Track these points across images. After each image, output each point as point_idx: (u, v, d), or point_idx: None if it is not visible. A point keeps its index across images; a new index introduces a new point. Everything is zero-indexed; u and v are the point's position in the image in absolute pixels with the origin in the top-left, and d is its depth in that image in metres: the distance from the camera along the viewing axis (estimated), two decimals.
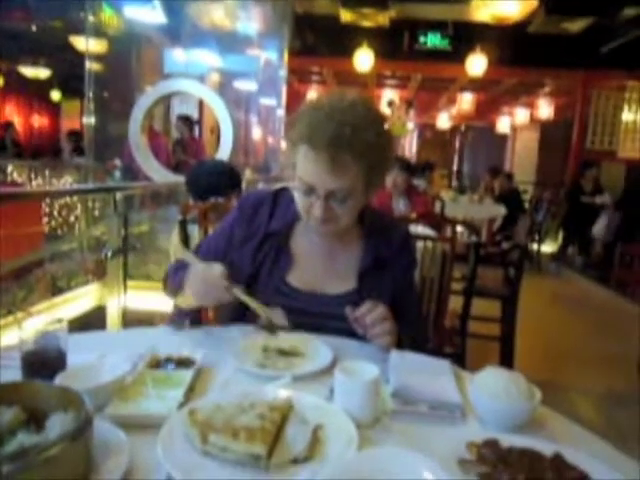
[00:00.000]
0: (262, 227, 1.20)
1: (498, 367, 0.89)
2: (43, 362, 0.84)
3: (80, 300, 2.98)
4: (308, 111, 1.06)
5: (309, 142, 1.02)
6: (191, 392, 0.86)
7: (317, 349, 1.04)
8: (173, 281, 1.18)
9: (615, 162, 6.72)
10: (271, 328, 1.03)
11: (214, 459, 0.68)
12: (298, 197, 1.10)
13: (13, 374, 0.82)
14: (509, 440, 0.73)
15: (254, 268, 1.18)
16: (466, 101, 9.54)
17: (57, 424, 0.64)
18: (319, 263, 1.20)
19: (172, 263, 1.34)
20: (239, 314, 1.16)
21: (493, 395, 0.81)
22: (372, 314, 1.02)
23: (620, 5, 5.07)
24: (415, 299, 1.33)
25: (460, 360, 2.40)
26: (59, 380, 0.79)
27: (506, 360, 2.86)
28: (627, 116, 6.43)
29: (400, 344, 1.09)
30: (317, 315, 1.13)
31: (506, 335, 2.92)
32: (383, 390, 0.87)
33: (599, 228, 6.17)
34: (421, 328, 1.32)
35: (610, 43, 5.90)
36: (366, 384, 0.81)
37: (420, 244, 2.16)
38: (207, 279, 1.04)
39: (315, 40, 6.67)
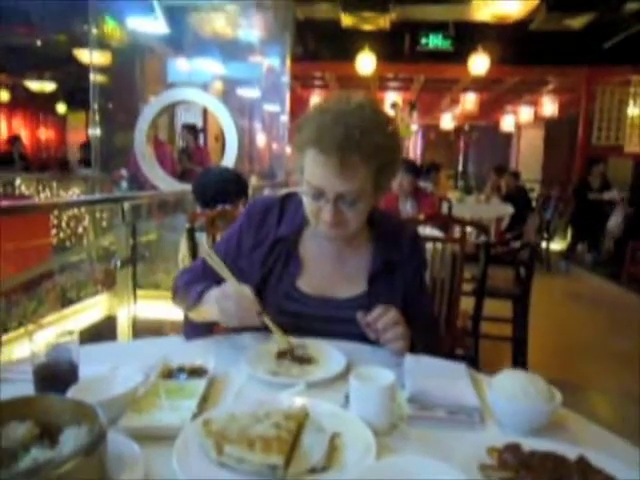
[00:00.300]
0: (271, 233, 1.19)
1: (515, 369, 0.88)
2: (55, 375, 0.83)
3: (90, 311, 2.99)
4: (315, 115, 1.05)
5: (317, 146, 1.01)
6: (204, 402, 0.85)
7: (330, 355, 1.03)
8: (189, 294, 1.15)
9: (622, 157, 6.66)
10: (294, 358, 1.01)
11: (230, 470, 0.67)
12: (307, 201, 1.09)
13: (25, 388, 0.81)
14: (530, 444, 0.72)
15: (263, 274, 1.18)
16: (469, 101, 9.51)
17: (71, 438, 0.63)
18: (328, 267, 1.19)
19: (181, 271, 1.33)
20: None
21: (512, 398, 0.80)
22: (384, 318, 1.01)
23: (621, 0, 5.04)
24: (427, 301, 1.31)
25: (473, 362, 2.38)
26: (72, 393, 0.78)
27: (519, 361, 2.84)
28: (633, 111, 6.38)
29: (413, 348, 1.07)
30: (328, 319, 1.12)
31: (518, 335, 2.90)
32: (399, 395, 0.86)
33: (613, 224, 6.11)
34: (435, 330, 1.30)
35: (613, 38, 5.86)
36: (382, 390, 0.80)
37: (429, 245, 2.14)
38: (240, 302, 1.03)
39: (317, 45, 6.69)
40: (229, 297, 1.04)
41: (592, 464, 0.67)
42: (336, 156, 0.99)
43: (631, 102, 6.35)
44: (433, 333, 1.25)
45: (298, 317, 1.13)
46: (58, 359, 0.84)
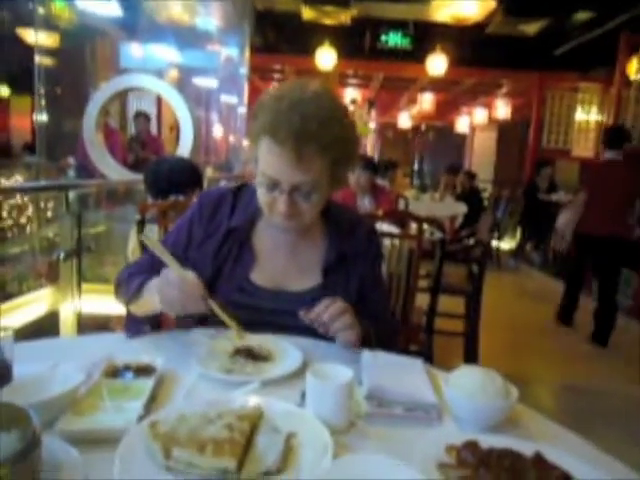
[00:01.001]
0: (223, 224, 1.16)
1: (470, 365, 0.87)
2: None
3: (31, 305, 2.82)
4: (270, 102, 1.01)
5: (272, 136, 0.98)
6: (152, 403, 0.80)
7: (286, 351, 1.00)
8: (129, 286, 1.09)
9: (569, 160, 6.96)
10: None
11: (179, 475, 0.63)
12: (261, 192, 1.06)
13: None
14: (488, 441, 0.71)
15: (216, 267, 1.14)
16: (426, 101, 9.67)
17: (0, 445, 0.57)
18: (282, 260, 1.16)
19: (128, 265, 1.26)
20: (202, 318, 1.10)
21: (470, 395, 0.79)
22: (330, 309, 0.99)
23: (573, 9, 5.25)
24: (383, 294, 1.30)
25: (428, 357, 2.41)
26: (3, 395, 0.72)
27: (471, 356, 2.90)
28: (580, 116, 6.66)
29: (367, 341, 1.06)
30: (282, 313, 1.08)
31: (470, 331, 2.96)
32: (356, 392, 0.84)
33: (562, 222, 6.35)
34: (391, 324, 1.30)
35: (564, 46, 6.09)
36: (339, 387, 0.77)
37: (387, 242, 2.15)
38: (184, 288, 0.96)
39: (277, 37, 6.61)
40: (171, 283, 0.97)
41: (548, 460, 0.67)
42: (292, 147, 0.96)
43: (579, 108, 6.62)
44: (389, 327, 1.24)
45: (251, 310, 1.09)
46: None
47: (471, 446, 0.69)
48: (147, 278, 1.08)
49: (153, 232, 1.64)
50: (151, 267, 1.13)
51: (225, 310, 0.99)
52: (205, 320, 1.11)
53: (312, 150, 0.98)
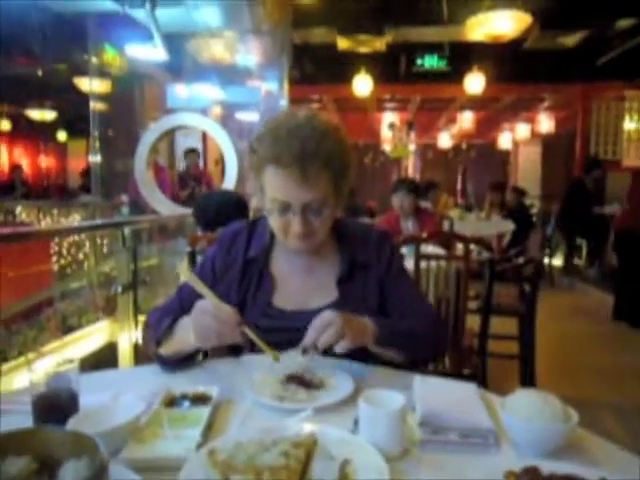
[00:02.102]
0: (240, 255, 1.22)
1: (527, 389, 0.85)
2: (54, 406, 0.81)
3: (91, 338, 2.95)
4: (267, 134, 1.08)
5: (276, 162, 1.05)
6: (209, 430, 0.82)
7: (337, 378, 1.00)
8: (158, 328, 1.11)
9: (620, 171, 6.68)
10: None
11: None
12: (273, 219, 1.12)
13: (24, 420, 0.79)
14: (548, 466, 0.69)
15: (240, 297, 1.19)
16: (466, 119, 9.59)
17: (70, 472, 0.60)
18: (300, 281, 1.21)
19: (155, 308, 1.27)
20: (235, 347, 1.13)
21: (528, 419, 0.77)
22: (314, 329, 0.98)
23: (613, 17, 5.12)
24: (413, 292, 1.26)
25: (481, 381, 2.33)
26: (71, 424, 0.76)
27: (527, 379, 2.79)
28: (629, 125, 6.42)
29: (388, 338, 1.05)
30: (304, 331, 1.05)
31: (525, 353, 2.85)
32: (410, 419, 0.83)
33: None
34: (430, 317, 1.22)
35: (606, 55, 5.93)
36: (392, 414, 0.77)
37: (433, 264, 2.13)
38: (220, 316, 0.99)
39: (314, 68, 6.77)
40: (207, 312, 1.00)
41: None
42: (297, 168, 1.03)
43: (627, 117, 6.39)
44: (428, 320, 1.19)
45: (277, 332, 1.11)
46: (58, 389, 0.82)
47: (531, 472, 0.67)
48: (177, 317, 1.11)
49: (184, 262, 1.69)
50: (180, 309, 1.16)
51: (259, 336, 1.01)
52: (238, 349, 1.14)
53: (316, 167, 1.04)
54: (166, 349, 1.10)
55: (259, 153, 1.08)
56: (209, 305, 1.02)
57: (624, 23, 5.16)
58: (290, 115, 1.11)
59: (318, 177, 1.05)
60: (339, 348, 0.99)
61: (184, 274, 1.10)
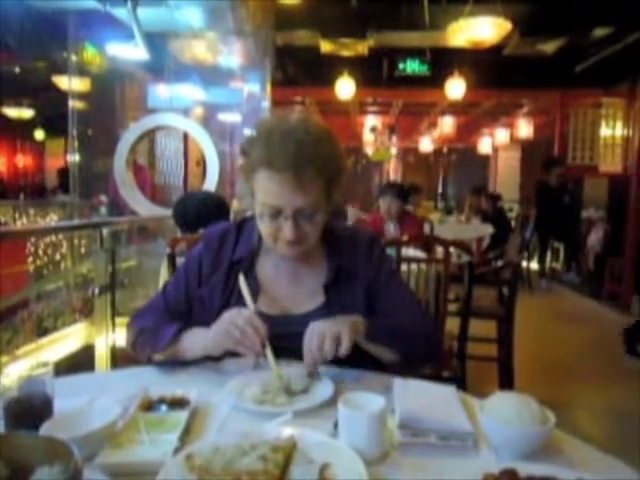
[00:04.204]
0: (227, 258, 1.20)
1: (506, 391, 0.86)
2: (28, 410, 0.79)
3: (67, 340, 2.89)
4: (260, 138, 1.07)
5: (270, 166, 1.03)
6: (187, 435, 0.81)
7: (317, 381, 1.00)
8: (159, 335, 1.10)
9: (597, 177, 6.83)
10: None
11: None
12: (263, 223, 1.10)
13: None
14: (527, 469, 0.70)
15: (224, 299, 1.17)
16: (447, 124, 9.68)
17: (43, 478, 0.59)
18: (286, 286, 1.20)
19: (140, 310, 1.26)
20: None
21: (506, 422, 0.78)
22: (313, 347, 0.98)
23: (590, 25, 5.23)
24: (405, 297, 1.24)
25: (461, 384, 2.36)
26: (45, 429, 0.74)
27: (506, 381, 2.82)
28: (605, 131, 6.56)
29: (377, 335, 1.07)
30: (292, 336, 1.06)
31: (504, 355, 2.89)
32: (390, 422, 0.83)
33: (593, 240, 6.25)
34: (420, 316, 1.23)
35: (584, 62, 6.06)
36: (372, 417, 0.77)
37: (414, 267, 2.14)
38: (253, 322, 1.01)
39: (296, 71, 6.77)
40: (242, 314, 1.03)
41: None
42: (290, 172, 1.01)
43: (603, 123, 6.53)
44: (418, 319, 1.19)
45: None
46: (31, 393, 0.80)
47: (509, 474, 0.68)
48: (182, 325, 1.11)
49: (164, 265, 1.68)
50: (166, 310, 1.17)
51: (274, 356, 1.01)
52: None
53: (310, 173, 1.03)
54: (162, 355, 1.10)
55: (251, 156, 1.06)
56: (247, 310, 1.05)
57: (601, 32, 5.27)
58: (283, 118, 1.09)
59: (312, 183, 1.04)
60: (342, 353, 0.98)
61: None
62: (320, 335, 0.98)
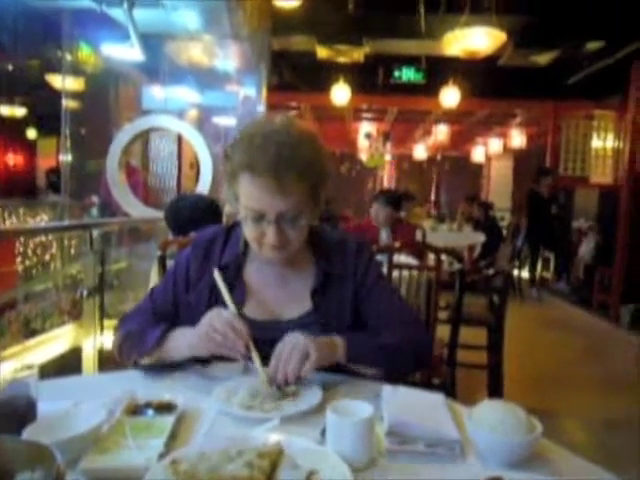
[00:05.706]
0: (215, 262, 1.19)
1: (494, 400, 0.86)
2: (10, 414, 0.78)
3: (55, 342, 2.86)
4: (242, 141, 1.06)
5: (251, 169, 1.02)
6: (173, 440, 0.80)
7: (305, 388, 0.99)
8: (145, 338, 1.08)
9: (588, 188, 6.90)
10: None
11: None
12: (247, 228, 1.09)
13: None
14: (513, 477, 0.70)
15: (211, 304, 1.15)
16: (441, 132, 9.75)
17: None
18: (273, 291, 1.19)
19: (127, 314, 1.24)
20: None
21: (493, 430, 0.78)
22: (279, 360, 0.97)
23: (583, 39, 5.31)
24: (393, 303, 1.21)
25: (450, 391, 2.35)
26: (28, 433, 0.73)
27: (495, 389, 2.82)
28: (596, 143, 6.64)
29: (358, 353, 1.05)
30: (276, 342, 1.04)
31: (494, 363, 2.89)
32: (377, 429, 0.83)
33: (584, 250, 6.31)
34: (412, 334, 1.17)
35: (576, 75, 6.14)
36: (359, 423, 0.77)
37: (405, 273, 2.14)
38: (234, 325, 1.00)
39: (292, 76, 6.79)
40: (222, 316, 1.01)
41: None
42: (272, 176, 1.00)
43: (595, 135, 6.60)
44: (407, 326, 1.17)
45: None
46: (14, 396, 0.79)
47: None
48: (167, 326, 1.10)
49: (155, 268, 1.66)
50: (154, 313, 1.16)
51: (260, 358, 1.00)
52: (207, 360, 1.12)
53: (291, 176, 1.01)
54: (149, 359, 1.09)
55: (233, 160, 1.05)
56: (227, 312, 1.03)
57: (593, 46, 5.35)
58: (266, 121, 1.09)
59: (293, 185, 1.02)
60: (304, 372, 0.96)
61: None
62: (291, 345, 0.97)
